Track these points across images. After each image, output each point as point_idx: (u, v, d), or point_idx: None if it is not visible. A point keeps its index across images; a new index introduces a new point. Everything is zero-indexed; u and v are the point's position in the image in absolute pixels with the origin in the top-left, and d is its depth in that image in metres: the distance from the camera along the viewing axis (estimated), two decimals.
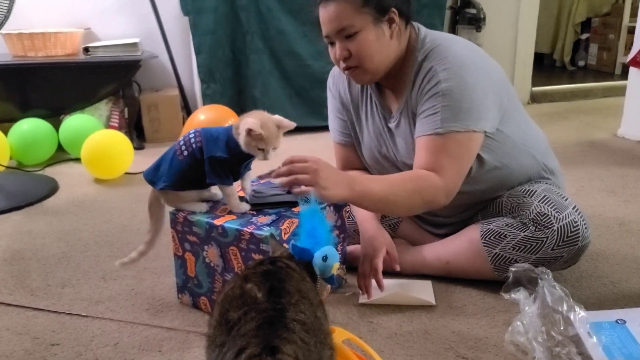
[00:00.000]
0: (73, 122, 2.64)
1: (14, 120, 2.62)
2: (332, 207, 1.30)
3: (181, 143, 1.26)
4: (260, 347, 0.67)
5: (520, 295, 1.12)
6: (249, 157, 1.24)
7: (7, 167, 2.35)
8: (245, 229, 1.19)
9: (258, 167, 2.21)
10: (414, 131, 1.31)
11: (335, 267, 0.99)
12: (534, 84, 3.83)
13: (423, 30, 1.34)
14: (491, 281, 1.34)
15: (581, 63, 5.29)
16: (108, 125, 2.85)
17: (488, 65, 1.31)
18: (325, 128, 1.62)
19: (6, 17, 2.13)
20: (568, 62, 5.28)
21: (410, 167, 1.33)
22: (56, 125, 2.66)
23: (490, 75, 1.30)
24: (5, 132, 2.50)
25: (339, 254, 1.36)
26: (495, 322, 1.23)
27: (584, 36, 5.23)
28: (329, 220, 1.05)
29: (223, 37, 2.94)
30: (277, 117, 1.24)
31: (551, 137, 1.56)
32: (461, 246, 1.37)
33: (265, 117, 1.21)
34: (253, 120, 1.17)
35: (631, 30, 3.97)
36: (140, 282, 1.46)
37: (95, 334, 1.23)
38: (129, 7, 3.00)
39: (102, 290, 1.43)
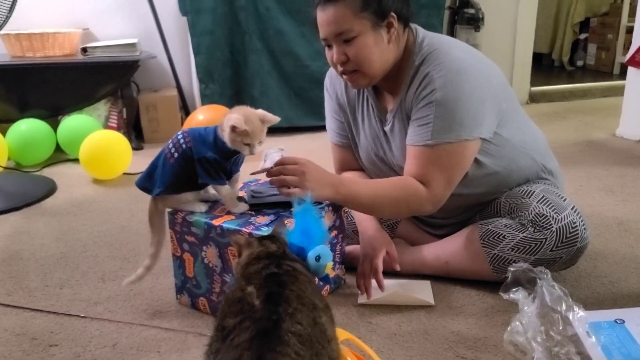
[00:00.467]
0: (71, 122, 2.64)
1: (12, 120, 2.61)
2: (330, 207, 1.30)
3: (170, 146, 1.25)
4: None
5: (519, 295, 1.12)
6: (236, 154, 1.24)
7: (5, 168, 2.34)
8: (244, 229, 1.19)
9: (256, 167, 2.20)
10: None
11: (329, 267, 0.99)
12: (532, 84, 3.84)
13: (421, 33, 1.33)
14: (490, 281, 1.34)
15: (580, 63, 5.30)
16: (106, 126, 2.85)
17: (486, 70, 1.31)
18: (323, 128, 1.62)
19: (7, 18, 2.13)
20: (567, 62, 5.29)
21: None
22: (54, 126, 2.65)
23: (489, 80, 1.29)
24: (4, 133, 2.49)
25: (338, 253, 1.36)
26: (494, 322, 1.23)
27: (583, 36, 5.24)
28: (324, 219, 1.05)
29: (221, 38, 2.93)
30: (260, 111, 1.24)
31: (550, 137, 1.56)
32: (460, 247, 1.37)
33: (249, 112, 1.21)
34: (236, 116, 1.17)
35: (630, 30, 3.97)
36: (139, 282, 1.46)
37: (94, 335, 1.23)
38: (127, 8, 3.00)
39: (101, 291, 1.43)
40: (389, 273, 1.36)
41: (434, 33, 1.35)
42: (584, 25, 5.22)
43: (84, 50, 2.75)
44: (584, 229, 1.27)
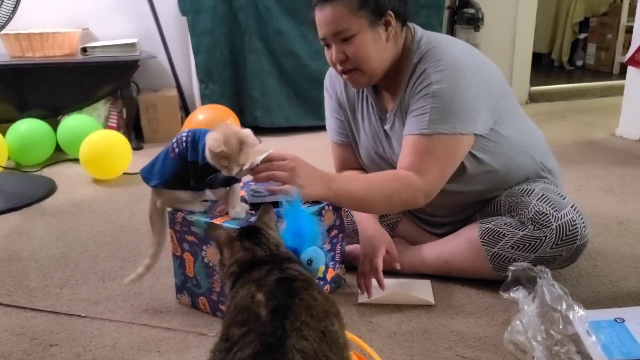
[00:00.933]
0: (71, 122, 2.64)
1: (12, 120, 2.61)
2: (330, 207, 1.30)
3: (174, 141, 1.25)
4: None
5: (519, 294, 1.12)
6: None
7: (5, 168, 2.34)
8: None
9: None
10: None
11: (321, 270, 0.98)
12: (532, 84, 3.84)
13: (419, 31, 1.34)
14: (490, 280, 1.34)
15: (579, 63, 5.30)
16: (106, 126, 2.85)
17: (484, 68, 1.31)
18: (323, 128, 1.62)
19: (9, 19, 2.13)
20: (566, 61, 5.29)
21: None
22: (54, 126, 2.65)
23: (486, 79, 1.29)
24: (3, 133, 2.49)
25: (338, 253, 1.36)
26: (494, 321, 1.23)
27: (582, 36, 5.24)
28: (322, 219, 1.04)
29: (221, 37, 2.93)
30: (244, 132, 1.17)
31: (549, 136, 1.56)
32: (460, 245, 1.37)
33: (230, 133, 1.15)
34: (215, 136, 1.13)
35: (629, 30, 3.98)
36: (139, 282, 1.46)
37: (94, 335, 1.23)
38: (127, 7, 3.00)
39: (101, 291, 1.43)
40: (389, 272, 1.36)
41: (432, 32, 1.36)
42: (584, 25, 5.23)
43: (84, 50, 2.75)
44: (584, 226, 1.27)
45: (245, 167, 1.18)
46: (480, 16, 3.31)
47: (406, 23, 1.33)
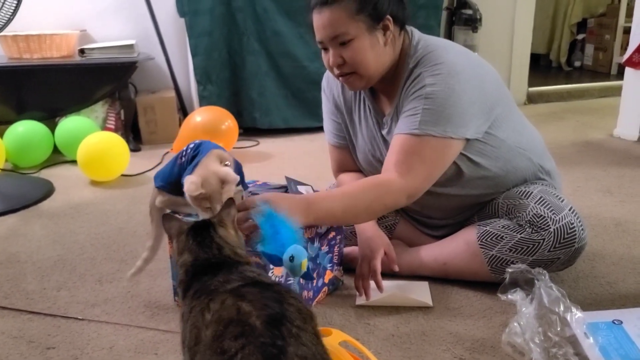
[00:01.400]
0: (69, 124, 2.63)
1: (9, 122, 2.60)
2: None
3: (183, 149, 1.25)
4: None
5: (517, 296, 1.12)
6: None
7: (3, 170, 2.34)
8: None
9: (257, 173, 2.20)
10: None
11: (304, 264, 1.00)
12: (530, 85, 3.84)
13: (417, 35, 1.33)
14: (488, 282, 1.34)
15: (577, 63, 5.31)
16: (104, 127, 2.84)
17: (480, 74, 1.30)
18: (321, 129, 1.62)
19: (9, 21, 2.13)
20: (564, 62, 5.30)
21: None
22: (52, 128, 2.65)
23: (482, 84, 1.29)
24: (1, 135, 2.49)
25: (336, 255, 1.36)
26: (492, 323, 1.23)
27: (580, 37, 5.25)
28: (289, 219, 1.05)
29: (219, 39, 2.93)
30: (223, 171, 1.12)
31: (547, 137, 1.56)
32: (458, 248, 1.37)
33: (209, 173, 1.11)
34: (192, 180, 1.09)
35: (627, 31, 3.99)
36: (136, 284, 1.46)
37: (91, 337, 1.23)
38: (125, 9, 3.00)
39: (98, 293, 1.42)
40: (387, 274, 1.36)
41: (430, 36, 1.35)
42: (582, 25, 5.23)
43: (82, 51, 2.75)
44: (582, 229, 1.27)
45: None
46: (478, 17, 3.32)
47: (404, 27, 1.33)
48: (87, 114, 2.81)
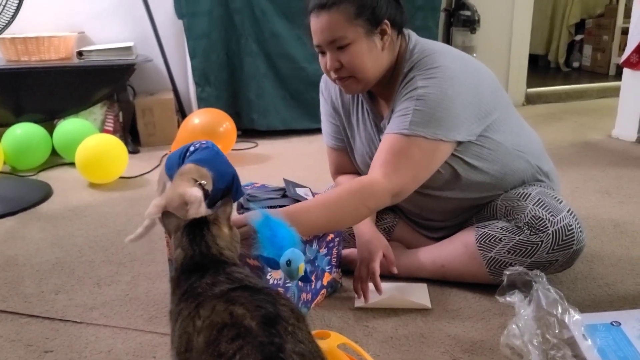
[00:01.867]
0: (67, 126, 2.63)
1: (7, 125, 2.60)
2: None
3: (191, 146, 1.25)
4: None
5: (515, 298, 1.12)
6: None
7: (1, 172, 2.34)
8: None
9: (256, 175, 2.21)
10: None
11: (301, 268, 0.99)
12: (528, 85, 3.85)
13: (414, 39, 1.33)
14: (486, 284, 1.34)
15: (575, 64, 5.31)
16: (103, 130, 2.84)
17: (476, 79, 1.29)
18: (319, 130, 1.62)
19: (9, 23, 2.13)
20: (562, 63, 5.30)
21: None
22: (50, 130, 2.65)
23: (477, 88, 1.28)
24: None
25: (334, 257, 1.36)
26: (490, 325, 1.23)
27: (578, 37, 5.25)
28: (287, 223, 1.05)
29: (217, 41, 2.93)
30: (189, 194, 1.05)
31: (546, 138, 1.56)
32: (456, 250, 1.37)
33: (175, 194, 1.05)
34: (155, 202, 1.04)
35: (625, 32, 3.99)
36: (135, 287, 1.46)
37: (89, 341, 1.23)
38: (123, 11, 3.00)
39: (96, 296, 1.42)
40: (385, 276, 1.36)
41: (427, 40, 1.35)
42: (580, 26, 5.24)
43: (80, 54, 2.75)
44: (580, 231, 1.27)
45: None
46: (476, 18, 3.32)
47: (402, 31, 1.33)
48: (85, 116, 2.81)
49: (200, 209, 1.04)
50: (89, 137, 2.36)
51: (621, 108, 2.89)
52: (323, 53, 1.30)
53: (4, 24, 2.12)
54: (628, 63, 2.77)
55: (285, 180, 1.43)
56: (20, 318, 1.33)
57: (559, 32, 5.25)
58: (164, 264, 1.40)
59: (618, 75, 3.69)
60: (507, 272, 1.16)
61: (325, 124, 1.55)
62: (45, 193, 2.22)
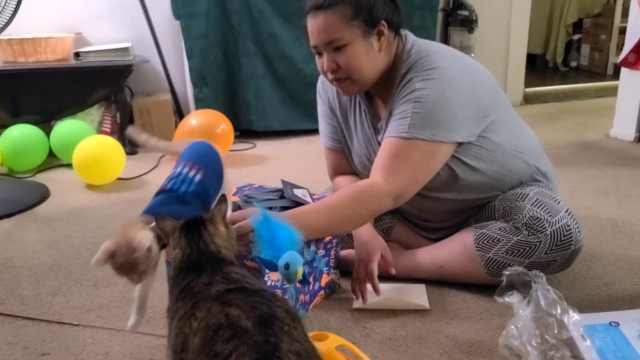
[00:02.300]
0: (64, 127, 2.62)
1: (4, 126, 2.59)
2: None
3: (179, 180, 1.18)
4: None
5: (514, 298, 1.12)
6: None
7: None
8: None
9: (253, 176, 2.19)
10: None
11: (300, 272, 0.99)
12: (526, 85, 3.84)
13: (410, 40, 1.33)
14: (485, 285, 1.33)
15: (573, 64, 5.31)
16: (100, 131, 2.83)
17: (474, 79, 1.29)
18: (318, 131, 1.62)
19: (7, 23, 2.12)
20: (560, 62, 5.30)
21: None
22: (47, 131, 2.63)
23: (475, 90, 1.28)
24: None
25: (332, 258, 1.36)
26: (489, 326, 1.23)
27: (576, 37, 5.25)
28: (288, 225, 1.04)
29: (215, 41, 2.93)
30: (139, 238, 0.96)
31: (544, 138, 1.56)
32: (455, 250, 1.36)
33: (123, 240, 0.96)
34: (103, 248, 0.96)
35: (622, 31, 3.98)
36: (132, 289, 1.44)
37: (87, 343, 1.22)
38: (120, 12, 2.99)
39: (94, 298, 1.42)
40: (384, 277, 1.36)
41: (424, 40, 1.35)
42: (577, 26, 5.24)
43: (77, 55, 2.74)
44: (578, 231, 1.27)
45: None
46: (474, 18, 3.32)
47: (399, 32, 1.32)
48: (82, 117, 2.80)
49: (152, 255, 0.97)
50: (86, 139, 2.35)
51: (619, 107, 2.89)
52: (320, 54, 1.29)
53: (2, 25, 2.11)
54: (626, 62, 2.77)
55: (283, 182, 1.42)
56: (17, 320, 1.32)
57: (557, 32, 5.25)
58: (162, 266, 1.39)
59: (616, 75, 3.69)
60: (507, 272, 1.16)
61: (323, 124, 1.54)
62: (42, 194, 2.21)
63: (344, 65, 1.26)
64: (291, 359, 0.67)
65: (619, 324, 1.15)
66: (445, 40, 3.42)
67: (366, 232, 1.37)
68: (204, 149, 1.27)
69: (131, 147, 2.83)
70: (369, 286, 1.31)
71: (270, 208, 1.30)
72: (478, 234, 1.33)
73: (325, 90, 1.50)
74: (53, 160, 2.65)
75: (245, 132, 3.04)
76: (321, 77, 1.50)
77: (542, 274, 1.12)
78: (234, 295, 0.76)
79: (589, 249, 1.58)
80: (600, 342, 1.09)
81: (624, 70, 2.83)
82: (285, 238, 1.02)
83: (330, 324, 1.26)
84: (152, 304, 1.37)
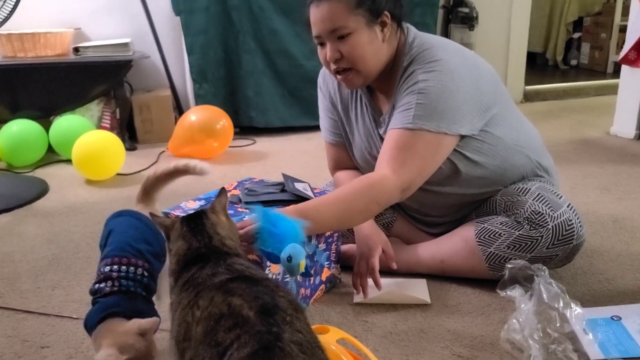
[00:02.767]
0: (64, 123, 2.61)
1: (3, 121, 2.59)
2: None
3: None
4: None
5: (516, 292, 1.12)
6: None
7: None
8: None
9: (254, 172, 2.18)
10: None
11: (302, 265, 0.99)
12: (527, 83, 3.84)
13: (412, 33, 1.33)
14: (486, 279, 1.33)
15: (573, 62, 5.31)
16: (99, 126, 2.83)
17: (476, 72, 1.29)
18: (318, 127, 1.61)
19: (6, 19, 2.12)
20: (560, 61, 5.30)
21: None
22: (46, 127, 2.63)
23: (477, 83, 1.27)
24: None
25: (333, 252, 1.35)
26: (490, 320, 1.22)
27: (576, 35, 5.25)
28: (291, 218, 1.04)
29: (215, 37, 2.92)
30: (137, 324, 0.96)
31: (544, 135, 1.55)
32: (456, 245, 1.36)
33: (121, 342, 0.94)
34: (108, 353, 0.92)
35: (623, 29, 3.98)
36: None
37: (86, 336, 1.20)
38: (120, 7, 2.98)
39: None
40: (385, 272, 1.35)
41: (426, 34, 1.34)
42: (578, 24, 5.24)
43: (76, 50, 2.73)
44: (580, 226, 1.27)
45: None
46: (474, 15, 3.31)
47: (401, 25, 1.32)
48: (82, 112, 2.79)
49: (152, 332, 0.97)
50: (86, 134, 2.35)
51: (619, 105, 2.88)
52: (322, 45, 1.29)
53: (2, 20, 2.11)
54: (626, 60, 2.77)
55: (284, 175, 1.42)
56: (16, 314, 1.32)
57: (557, 30, 5.25)
58: None
59: (615, 73, 3.69)
60: (509, 266, 1.16)
61: (324, 119, 1.54)
62: (41, 190, 2.21)
63: (347, 55, 1.25)
64: (293, 349, 0.66)
65: (620, 318, 1.15)
66: (446, 37, 3.41)
67: (367, 227, 1.37)
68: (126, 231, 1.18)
69: (130, 143, 2.83)
70: (370, 280, 1.31)
71: (271, 201, 1.30)
72: (479, 228, 1.33)
73: (326, 84, 1.50)
74: (52, 156, 2.64)
75: (245, 129, 3.04)
76: (322, 71, 1.50)
77: (544, 267, 1.12)
78: (237, 284, 0.76)
79: (590, 244, 1.57)
80: (602, 336, 1.09)
81: (624, 68, 2.83)
82: (288, 231, 1.01)
83: (331, 318, 1.26)
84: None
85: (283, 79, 3.03)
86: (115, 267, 1.05)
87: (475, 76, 1.28)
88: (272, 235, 0.99)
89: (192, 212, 0.93)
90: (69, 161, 2.45)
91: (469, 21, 3.31)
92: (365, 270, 1.30)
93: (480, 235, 1.32)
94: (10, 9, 2.11)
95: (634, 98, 2.78)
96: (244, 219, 1.08)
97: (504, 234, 1.29)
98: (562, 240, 1.25)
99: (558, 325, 1.05)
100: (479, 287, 1.34)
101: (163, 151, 2.71)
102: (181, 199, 1.37)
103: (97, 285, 1.04)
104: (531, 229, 1.27)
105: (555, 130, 3.01)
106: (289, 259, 0.98)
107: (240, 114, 3.01)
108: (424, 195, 1.38)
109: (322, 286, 1.35)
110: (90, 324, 1.00)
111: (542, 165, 1.42)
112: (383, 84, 1.35)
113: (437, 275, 1.39)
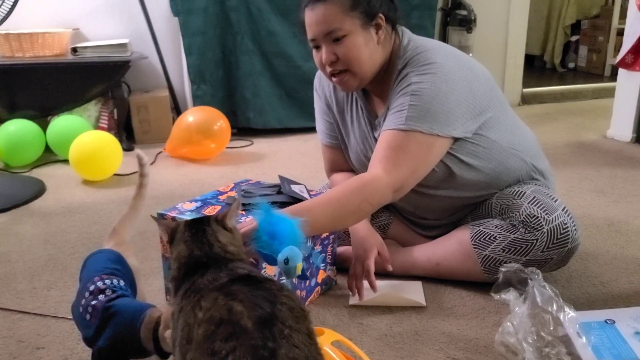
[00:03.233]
0: (61, 123, 2.61)
1: (1, 121, 2.59)
2: None
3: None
4: None
5: (510, 295, 1.12)
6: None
7: None
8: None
9: (251, 173, 2.19)
10: None
11: (299, 268, 0.98)
12: (524, 86, 3.85)
13: (407, 36, 1.33)
14: (481, 282, 1.33)
15: (571, 65, 5.33)
16: (97, 127, 2.83)
17: (470, 76, 1.29)
18: (315, 129, 1.62)
19: (5, 18, 2.11)
20: (558, 63, 5.31)
21: None
22: (44, 127, 2.63)
23: (471, 86, 1.28)
24: None
25: (329, 254, 1.36)
26: (485, 323, 1.23)
27: (574, 38, 5.27)
28: (292, 219, 1.04)
29: (213, 38, 2.92)
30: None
31: (541, 138, 1.56)
32: (451, 248, 1.36)
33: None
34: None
35: (620, 32, 4.00)
36: None
37: (81, 338, 1.21)
38: (118, 8, 2.98)
39: None
40: (380, 274, 1.35)
41: (421, 37, 1.35)
42: (575, 27, 5.25)
43: (74, 50, 2.73)
44: (575, 230, 1.27)
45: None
46: (472, 18, 3.32)
47: (395, 28, 1.32)
48: (79, 113, 2.79)
49: None
50: (83, 134, 2.35)
51: (616, 108, 2.89)
52: (317, 48, 1.29)
53: (0, 19, 2.11)
54: (623, 63, 2.78)
55: (281, 177, 1.42)
56: (12, 314, 1.32)
57: (555, 33, 5.26)
58: (158, 261, 1.39)
59: (613, 77, 3.70)
60: (503, 270, 1.16)
61: (320, 121, 1.54)
62: (38, 190, 2.21)
63: (343, 57, 1.26)
64: None
65: (614, 322, 1.16)
66: (444, 40, 3.42)
67: (363, 229, 1.37)
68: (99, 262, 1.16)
69: (128, 143, 2.83)
70: (365, 283, 1.31)
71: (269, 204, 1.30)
72: (475, 231, 1.33)
73: (322, 87, 1.50)
74: (49, 156, 2.64)
75: (242, 130, 3.04)
76: (318, 74, 1.50)
77: (538, 271, 1.12)
78: (239, 287, 0.75)
79: (585, 247, 1.58)
80: (596, 340, 1.09)
81: (621, 71, 2.84)
82: (287, 233, 1.01)
83: (326, 320, 1.26)
84: (148, 300, 1.37)
85: (281, 81, 3.03)
86: (101, 282, 1.03)
87: (470, 79, 1.28)
88: (271, 237, 0.99)
89: (196, 217, 0.93)
90: (66, 161, 2.45)
91: (467, 24, 3.31)
92: (361, 273, 1.31)
93: (476, 238, 1.32)
94: (8, 9, 2.12)
95: (630, 101, 2.79)
96: (243, 220, 1.08)
97: (499, 237, 1.30)
98: (557, 243, 1.26)
99: (552, 328, 1.05)
100: (474, 290, 1.35)
101: (160, 152, 2.71)
102: (178, 201, 1.37)
103: (93, 302, 1.01)
104: (526, 232, 1.27)
105: (553, 133, 3.02)
106: (286, 261, 0.98)
107: (237, 115, 3.02)
108: (419, 198, 1.38)
109: (318, 288, 1.35)
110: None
111: (538, 168, 1.42)
112: (378, 87, 1.36)
113: (433, 278, 1.40)
